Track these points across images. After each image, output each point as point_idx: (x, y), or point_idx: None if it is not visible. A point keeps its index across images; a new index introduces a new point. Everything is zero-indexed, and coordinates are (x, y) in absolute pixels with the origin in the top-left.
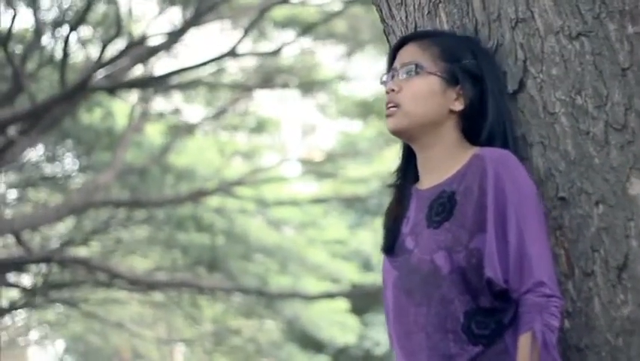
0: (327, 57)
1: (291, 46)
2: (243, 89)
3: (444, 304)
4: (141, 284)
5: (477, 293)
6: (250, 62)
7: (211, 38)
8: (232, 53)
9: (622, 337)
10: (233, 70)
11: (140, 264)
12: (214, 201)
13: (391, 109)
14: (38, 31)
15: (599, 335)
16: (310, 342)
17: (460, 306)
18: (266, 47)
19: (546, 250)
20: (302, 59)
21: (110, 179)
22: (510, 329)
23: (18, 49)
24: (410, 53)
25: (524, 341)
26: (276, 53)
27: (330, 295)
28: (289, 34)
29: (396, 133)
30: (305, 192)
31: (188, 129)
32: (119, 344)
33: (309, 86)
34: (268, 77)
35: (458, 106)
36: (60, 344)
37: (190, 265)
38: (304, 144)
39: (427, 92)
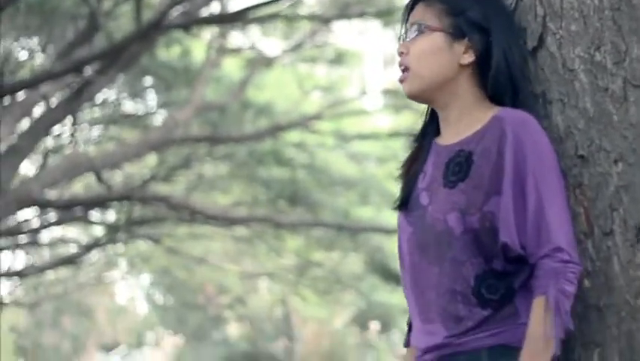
0: None
1: None
2: (320, 20)
3: (455, 266)
4: (223, 220)
5: (490, 256)
6: None
7: None
8: None
9: None
10: (311, 1)
11: (221, 200)
12: (294, 135)
13: (403, 73)
14: None
15: (618, 295)
16: (392, 274)
17: (472, 269)
18: None
19: (565, 214)
20: None
21: (190, 115)
22: (520, 293)
23: None
24: (417, 13)
25: (537, 306)
26: None
27: None
28: None
29: (412, 97)
30: (386, 125)
31: (267, 63)
32: (203, 277)
33: (389, 17)
34: (346, 8)
35: (467, 59)
36: (146, 279)
37: (271, 200)
38: (385, 76)
39: (432, 50)
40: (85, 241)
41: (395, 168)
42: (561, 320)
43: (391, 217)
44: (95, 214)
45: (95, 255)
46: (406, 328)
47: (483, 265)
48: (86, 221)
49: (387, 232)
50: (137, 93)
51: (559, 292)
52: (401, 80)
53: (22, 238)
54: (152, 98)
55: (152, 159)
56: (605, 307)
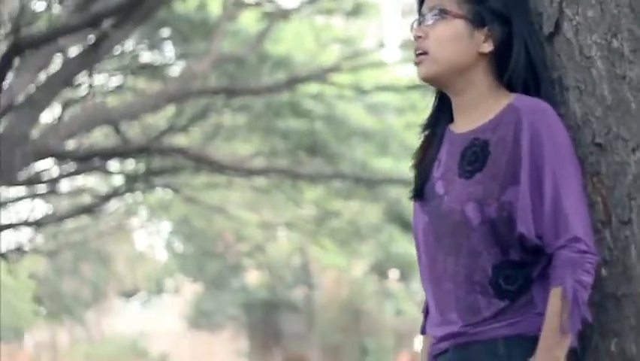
0: None
1: None
2: None
3: (472, 257)
4: (241, 171)
5: (507, 246)
6: None
7: None
8: None
9: None
10: None
11: (239, 150)
12: (312, 88)
13: (420, 57)
14: None
15: (636, 284)
16: (410, 225)
17: (489, 259)
18: None
19: (582, 204)
20: None
21: (207, 67)
22: (537, 282)
23: None
24: None
25: (555, 296)
26: None
27: None
28: None
29: (427, 80)
30: (404, 77)
31: (284, 16)
32: (222, 226)
33: None
34: None
35: (487, 48)
36: (165, 226)
37: (289, 151)
38: (404, 28)
39: (453, 37)
40: (104, 190)
41: (414, 118)
42: (579, 311)
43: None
44: (113, 164)
45: (114, 204)
46: (422, 312)
47: (500, 256)
48: (105, 171)
49: (405, 183)
50: (154, 44)
51: (576, 283)
52: (417, 63)
53: (42, 188)
54: (169, 49)
55: (170, 110)
56: (623, 296)
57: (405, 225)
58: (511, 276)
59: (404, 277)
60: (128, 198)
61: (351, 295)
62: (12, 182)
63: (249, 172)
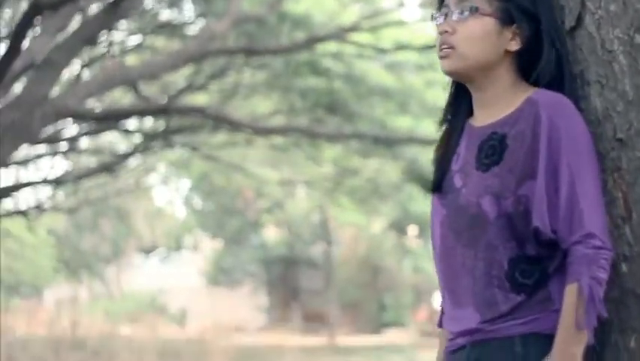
0: None
1: None
2: None
3: (490, 250)
4: (259, 129)
5: (523, 240)
6: None
7: None
8: None
9: None
10: None
11: (258, 109)
12: (331, 47)
13: (445, 50)
14: None
15: None
16: (429, 185)
17: (505, 253)
18: None
19: (598, 200)
20: None
21: (226, 27)
22: (554, 277)
23: None
24: None
25: (570, 292)
26: None
27: None
28: None
29: (451, 74)
30: (424, 36)
31: None
32: (241, 183)
33: None
34: None
35: (514, 46)
36: (184, 183)
37: (308, 109)
38: None
39: (483, 34)
40: (123, 148)
41: (434, 77)
42: (595, 308)
43: (429, 128)
44: (132, 123)
45: (133, 161)
46: (439, 307)
47: (516, 250)
48: (124, 130)
49: (424, 142)
50: (174, 3)
51: (592, 280)
52: (442, 57)
53: (61, 146)
54: (189, 8)
55: (188, 69)
56: None
57: (423, 184)
58: (527, 270)
59: (422, 234)
60: (147, 156)
61: (369, 252)
62: (32, 141)
63: (268, 131)
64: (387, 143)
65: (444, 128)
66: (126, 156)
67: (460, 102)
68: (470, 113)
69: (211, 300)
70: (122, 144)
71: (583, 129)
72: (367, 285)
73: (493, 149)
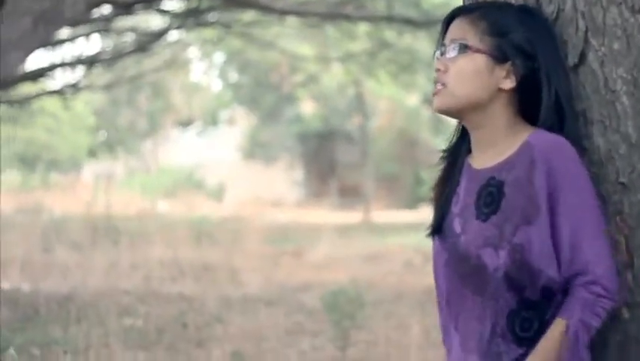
0: None
1: None
2: None
3: (493, 300)
4: (291, 12)
5: (521, 289)
6: None
7: None
8: None
9: None
10: None
11: None
12: None
13: (437, 88)
14: None
15: None
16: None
17: (506, 305)
18: None
19: (602, 243)
20: None
21: None
22: (551, 322)
23: None
24: (457, 29)
25: (558, 325)
26: None
27: None
28: None
29: (442, 112)
30: None
31: None
32: (276, 58)
33: None
34: None
35: (508, 84)
36: (219, 57)
37: None
38: None
39: (473, 72)
40: (156, 27)
41: None
42: (576, 352)
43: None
44: (165, 3)
45: (167, 39)
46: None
47: (515, 300)
48: (157, 9)
49: None
50: None
51: (580, 324)
52: (434, 94)
53: (96, 26)
54: None
55: None
56: None
57: None
58: (527, 320)
59: None
60: (181, 34)
61: (405, 125)
62: (65, 25)
63: (299, 13)
64: (419, 25)
65: (444, 165)
66: (159, 34)
67: (465, 139)
68: (470, 150)
69: (248, 174)
70: (156, 23)
71: (582, 172)
72: (403, 158)
73: (492, 197)
